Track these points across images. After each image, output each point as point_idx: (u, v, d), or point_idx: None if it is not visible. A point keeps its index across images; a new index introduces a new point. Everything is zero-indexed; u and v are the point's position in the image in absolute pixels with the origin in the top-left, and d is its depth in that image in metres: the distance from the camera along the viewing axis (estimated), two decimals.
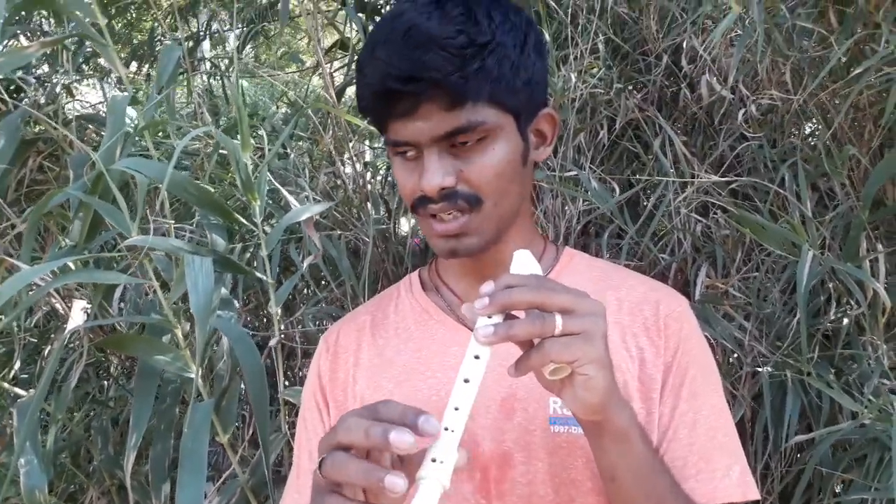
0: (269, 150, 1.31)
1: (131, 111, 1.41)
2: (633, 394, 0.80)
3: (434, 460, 0.58)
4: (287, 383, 1.48)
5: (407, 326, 0.91)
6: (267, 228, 1.35)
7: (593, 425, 0.66)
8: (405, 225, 2.12)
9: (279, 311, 1.33)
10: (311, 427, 0.92)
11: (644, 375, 0.81)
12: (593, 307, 0.61)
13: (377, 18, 1.52)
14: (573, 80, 1.65)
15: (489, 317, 0.61)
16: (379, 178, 2.28)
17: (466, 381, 0.61)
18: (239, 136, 1.22)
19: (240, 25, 2.31)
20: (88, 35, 1.16)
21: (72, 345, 1.44)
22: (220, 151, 1.61)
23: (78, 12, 1.17)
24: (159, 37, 2.58)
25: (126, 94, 1.22)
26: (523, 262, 0.66)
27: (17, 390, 1.36)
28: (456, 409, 0.60)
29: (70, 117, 1.79)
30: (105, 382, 1.84)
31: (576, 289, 0.62)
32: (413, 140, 0.77)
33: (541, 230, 1.61)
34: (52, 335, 1.54)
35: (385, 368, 0.88)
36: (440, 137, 0.75)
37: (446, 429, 0.59)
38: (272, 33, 3.13)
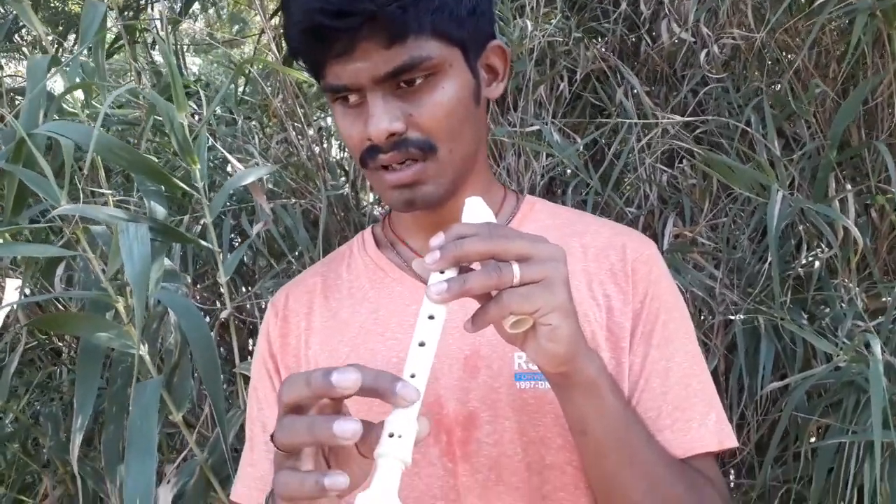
0: (209, 110, 1.22)
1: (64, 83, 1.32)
2: (602, 343, 0.76)
3: (392, 435, 0.52)
4: (245, 359, 1.42)
5: (361, 286, 0.84)
6: (213, 197, 1.27)
7: (560, 377, 0.61)
8: (369, 196, 2.06)
9: (233, 280, 1.26)
10: (263, 397, 0.86)
11: (612, 324, 0.76)
12: (552, 252, 0.56)
13: None
14: (530, 29, 1.58)
15: (441, 272, 0.56)
16: (336, 143, 2.20)
17: (422, 344, 0.55)
18: (173, 97, 1.14)
19: None
20: None
21: (9, 327, 1.36)
22: (161, 118, 1.52)
23: None
24: None
25: (46, 55, 1.13)
26: (476, 210, 0.60)
27: None
28: (412, 375, 0.54)
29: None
30: (56, 368, 1.76)
31: (532, 234, 0.57)
32: (353, 83, 0.70)
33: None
34: None
35: (340, 331, 0.82)
36: (383, 77, 0.69)
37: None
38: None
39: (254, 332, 1.93)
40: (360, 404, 0.56)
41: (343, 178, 1.97)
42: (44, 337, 1.57)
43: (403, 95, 0.70)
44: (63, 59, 1.16)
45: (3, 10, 2.18)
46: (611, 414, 0.64)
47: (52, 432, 1.52)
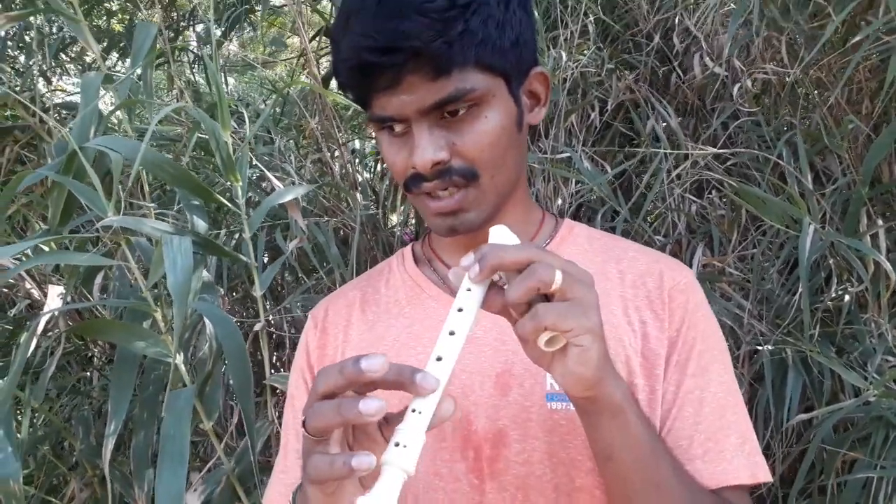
0: (252, 130, 1.26)
1: (108, 98, 1.37)
2: (637, 370, 0.76)
3: (398, 444, 0.53)
4: (274, 371, 1.44)
5: (398, 301, 0.86)
6: (252, 213, 1.31)
7: (587, 402, 0.62)
8: (394, 218, 2.09)
9: (263, 294, 1.29)
10: (299, 406, 0.87)
11: (647, 350, 0.76)
12: (585, 275, 0.57)
13: None
14: (564, 59, 1.61)
15: (468, 290, 0.57)
16: (368, 165, 2.24)
17: (439, 359, 0.56)
18: (219, 116, 1.18)
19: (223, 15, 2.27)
20: (58, 9, 1.12)
21: (50, 333, 1.40)
22: (203, 136, 1.57)
23: None
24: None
25: (100, 72, 1.18)
26: (502, 238, 0.60)
27: None
28: (439, 359, 0.56)
29: (48, 105, 1.75)
30: (87, 373, 1.80)
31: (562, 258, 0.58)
32: (399, 115, 0.72)
33: None
34: (28, 322, 1.49)
35: (374, 344, 0.84)
36: (428, 109, 0.70)
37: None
38: (258, 23, 3.10)
39: (281, 345, 1.97)
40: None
41: (373, 199, 2.01)
42: (80, 342, 1.61)
43: (448, 125, 0.72)
44: (114, 77, 1.20)
45: (50, 29, 2.26)
46: (636, 440, 0.64)
47: (82, 435, 1.55)
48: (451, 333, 0.57)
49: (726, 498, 0.72)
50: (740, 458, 0.74)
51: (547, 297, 0.56)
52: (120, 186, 1.03)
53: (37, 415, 1.53)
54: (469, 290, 0.57)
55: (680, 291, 0.79)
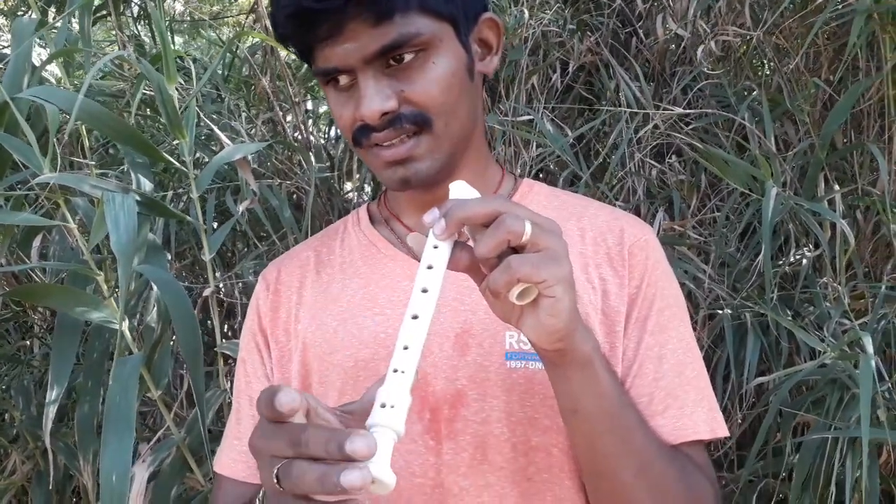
0: (199, 84, 1.20)
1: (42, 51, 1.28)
2: (596, 327, 0.75)
3: (384, 405, 0.51)
4: (225, 339, 1.40)
5: (353, 261, 0.83)
6: (199, 173, 1.24)
7: (556, 354, 0.60)
8: (349, 184, 2.03)
9: (213, 259, 1.23)
10: (252, 370, 0.84)
11: (607, 307, 0.76)
12: (552, 224, 0.55)
13: None
14: (526, 17, 1.57)
15: (435, 247, 0.54)
16: (322, 129, 2.17)
17: (415, 317, 0.54)
18: (164, 67, 1.11)
19: None
20: None
21: None
22: (147, 92, 1.48)
23: None
24: None
25: (33, 18, 1.09)
26: (462, 193, 0.58)
27: None
28: (405, 348, 0.53)
29: None
30: (27, 341, 1.72)
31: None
32: (343, 64, 0.68)
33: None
34: None
35: (329, 306, 0.81)
36: (372, 56, 0.67)
37: (395, 370, 0.52)
38: None
39: (232, 313, 1.91)
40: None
41: (328, 163, 1.95)
42: (18, 309, 1.53)
43: (394, 73, 0.69)
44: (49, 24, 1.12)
45: None
46: (604, 392, 0.63)
47: (23, 406, 1.49)
48: (424, 291, 0.54)
49: (686, 453, 0.72)
50: (700, 414, 0.74)
51: (514, 250, 0.54)
52: (56, 142, 0.96)
53: None
54: (436, 246, 0.55)
55: (640, 248, 0.78)
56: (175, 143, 1.46)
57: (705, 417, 0.74)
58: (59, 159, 1.20)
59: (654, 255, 0.79)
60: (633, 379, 0.74)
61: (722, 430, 0.76)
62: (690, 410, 0.73)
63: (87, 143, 1.20)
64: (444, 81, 0.70)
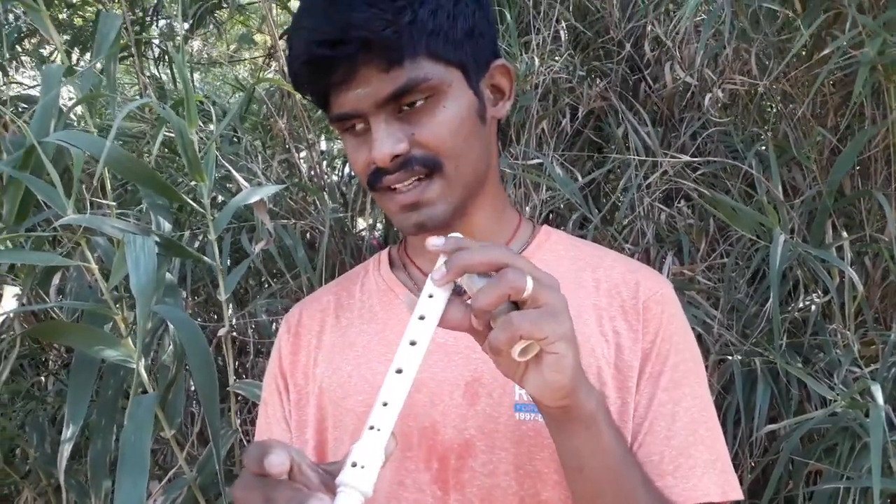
0: (219, 128, 1.23)
1: (67, 93, 1.32)
2: (609, 381, 0.74)
3: (355, 465, 0.51)
4: (237, 377, 1.41)
5: (372, 306, 0.84)
6: (217, 214, 1.27)
7: (560, 411, 0.60)
8: (362, 222, 2.06)
9: (229, 298, 1.25)
10: (272, 413, 0.85)
11: (620, 362, 0.75)
12: (551, 279, 0.56)
13: None
14: (537, 64, 1.61)
15: (430, 296, 0.55)
16: (336, 168, 2.21)
17: (399, 371, 0.54)
18: (185, 113, 1.14)
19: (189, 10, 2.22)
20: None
21: (3, 335, 1.34)
22: (167, 134, 1.52)
23: None
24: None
25: (62, 64, 1.13)
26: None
27: None
28: (384, 404, 0.53)
29: (4, 98, 1.69)
30: (42, 378, 1.74)
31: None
32: (356, 109, 0.71)
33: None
34: None
35: (345, 350, 0.82)
36: (384, 101, 0.70)
37: (371, 427, 0.52)
38: (223, 20, 3.04)
39: (244, 351, 1.92)
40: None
41: (341, 202, 1.98)
42: (35, 346, 1.55)
43: (406, 118, 0.71)
44: (76, 70, 1.16)
45: (9, 19, 2.18)
46: (608, 451, 0.63)
47: (37, 443, 1.49)
48: (412, 343, 0.54)
49: None
50: (711, 475, 0.72)
51: (515, 305, 0.54)
52: (82, 185, 0.99)
53: None
54: (431, 296, 0.55)
55: (656, 302, 0.78)
56: (193, 182, 1.50)
57: (717, 479, 0.72)
58: (84, 201, 1.23)
59: (669, 309, 0.78)
60: (645, 436, 0.73)
61: (735, 493, 0.74)
62: (702, 471, 0.72)
63: (108, 184, 1.23)
64: (453, 125, 0.72)
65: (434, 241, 0.56)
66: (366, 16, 0.66)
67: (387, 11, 0.66)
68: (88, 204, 1.01)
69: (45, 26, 1.10)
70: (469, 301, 0.56)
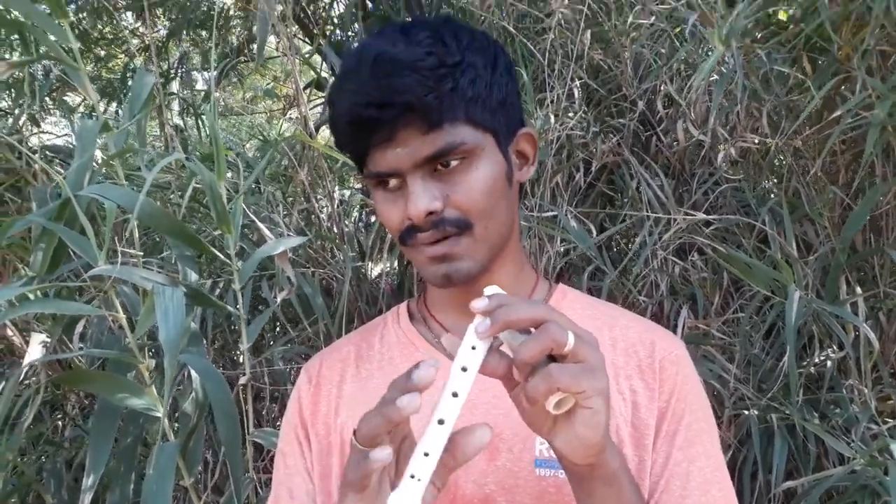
0: (245, 180, 1.27)
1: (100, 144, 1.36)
2: (626, 439, 0.76)
3: (413, 477, 0.54)
4: (255, 425, 1.42)
5: (392, 357, 0.87)
6: (239, 264, 1.30)
7: (586, 468, 0.61)
8: (376, 269, 2.09)
9: (249, 348, 1.27)
10: (292, 463, 0.86)
11: (637, 420, 0.77)
12: (591, 336, 0.58)
13: None
14: (552, 121, 1.65)
15: (473, 348, 0.57)
16: (353, 217, 2.25)
17: (441, 421, 0.56)
18: (214, 166, 1.18)
19: (214, 61, 2.30)
20: (60, 58, 1.13)
21: (27, 381, 1.36)
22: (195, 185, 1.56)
23: (51, 35, 1.13)
24: (131, 74, 2.56)
25: (97, 120, 1.18)
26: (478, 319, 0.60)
27: None
28: (426, 454, 0.55)
29: (35, 149, 1.74)
30: (60, 423, 1.75)
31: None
32: (394, 168, 0.74)
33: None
34: (6, 370, 1.45)
35: (367, 401, 0.83)
36: (422, 162, 0.73)
37: (412, 476, 0.55)
38: (245, 73, 3.14)
39: (259, 398, 1.93)
40: None
41: (357, 251, 2.01)
42: (57, 392, 1.57)
43: (440, 177, 0.74)
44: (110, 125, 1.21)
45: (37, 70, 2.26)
46: None
47: (54, 489, 1.50)
48: (454, 395, 0.56)
49: None
50: None
51: (552, 358, 0.56)
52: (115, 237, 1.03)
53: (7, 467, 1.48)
54: (473, 347, 0.57)
55: (671, 362, 0.80)
56: (216, 232, 1.53)
57: None
58: (117, 254, 1.26)
59: (684, 370, 0.81)
60: (661, 494, 0.75)
61: None
62: None
63: (136, 234, 1.27)
64: (485, 187, 0.75)
65: (478, 304, 0.58)
66: (410, 81, 0.70)
67: (430, 78, 0.70)
68: (119, 254, 1.04)
69: (83, 84, 1.15)
70: (502, 349, 0.58)
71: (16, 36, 2.06)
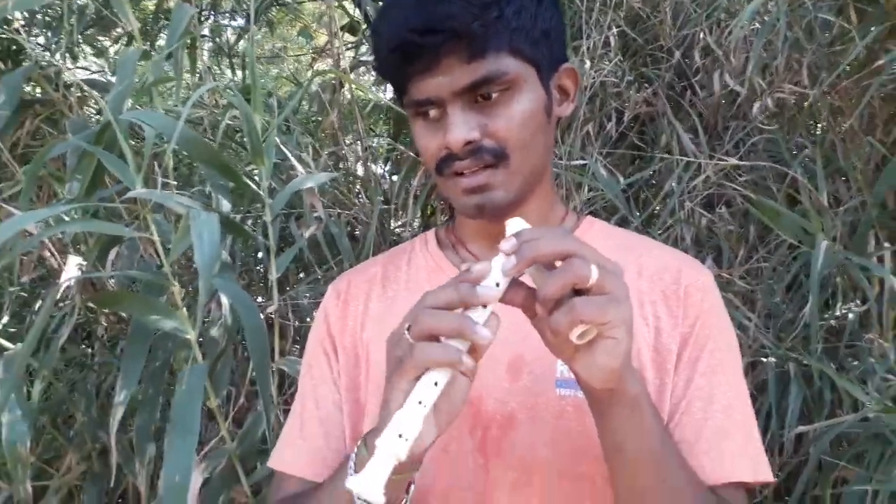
0: (280, 116, 1.29)
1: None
2: (647, 363, 0.78)
3: (400, 436, 0.58)
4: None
5: (419, 280, 0.89)
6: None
7: (605, 393, 0.63)
8: (399, 220, 2.11)
9: (278, 279, 1.30)
10: (318, 374, 0.89)
11: (659, 345, 0.78)
12: (615, 266, 0.59)
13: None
14: (587, 67, 1.64)
15: (496, 285, 0.59)
16: (379, 163, 2.26)
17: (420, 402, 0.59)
18: (252, 100, 1.20)
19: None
20: None
21: (62, 303, 1.41)
22: (230, 122, 1.58)
23: None
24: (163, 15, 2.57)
25: (137, 48, 1.20)
26: (518, 229, 0.61)
27: (4, 342, 1.32)
28: (436, 384, 0.59)
29: (71, 83, 1.76)
30: (89, 350, 1.81)
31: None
32: (435, 96, 0.75)
33: None
34: (44, 291, 1.50)
35: (393, 321, 0.85)
36: (463, 90, 0.74)
37: (420, 402, 0.58)
38: (276, 20, 3.13)
39: (282, 334, 1.98)
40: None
41: (381, 198, 2.03)
42: (90, 315, 1.62)
43: (480, 108, 0.75)
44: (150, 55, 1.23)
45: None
46: (648, 433, 0.66)
47: (84, 408, 1.56)
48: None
49: (725, 496, 0.74)
50: (744, 457, 0.76)
51: (577, 291, 0.57)
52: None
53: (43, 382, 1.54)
54: (497, 284, 0.59)
55: (697, 289, 0.81)
56: (248, 168, 1.55)
57: (749, 461, 0.76)
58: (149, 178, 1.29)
59: (710, 298, 0.81)
60: (681, 416, 0.76)
61: (765, 474, 0.77)
62: (735, 453, 0.75)
63: (170, 163, 1.29)
64: (524, 119, 0.76)
65: (506, 246, 0.59)
66: (456, 8, 0.70)
67: (475, 6, 0.71)
68: (158, 181, 1.07)
69: (125, 12, 1.17)
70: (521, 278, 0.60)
71: None
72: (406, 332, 0.61)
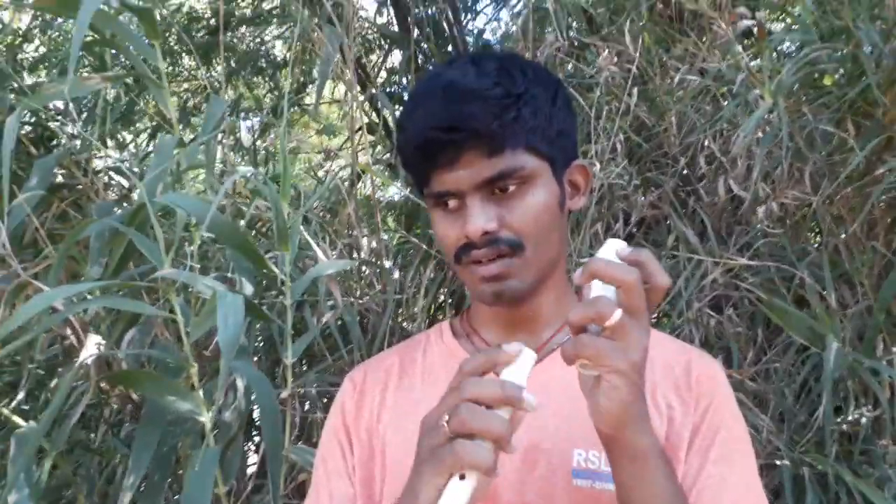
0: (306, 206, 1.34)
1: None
2: None
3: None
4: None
5: (435, 371, 0.90)
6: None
7: (608, 439, 0.66)
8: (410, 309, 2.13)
9: (294, 363, 1.32)
10: (333, 467, 0.89)
11: (672, 434, 0.80)
12: (645, 324, 0.62)
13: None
14: (596, 170, 1.71)
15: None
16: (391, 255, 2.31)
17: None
18: (281, 188, 1.25)
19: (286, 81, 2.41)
20: (146, 76, 1.21)
21: (77, 381, 1.41)
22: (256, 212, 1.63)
23: (140, 55, 1.22)
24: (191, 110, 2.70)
25: (174, 136, 1.26)
26: (611, 250, 0.65)
27: (17, 419, 1.32)
28: (469, 487, 0.61)
29: (99, 169, 1.84)
30: (93, 434, 1.79)
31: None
32: (456, 188, 0.80)
33: None
34: (61, 369, 1.51)
35: (410, 411, 0.86)
36: (482, 183, 0.78)
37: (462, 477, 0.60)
38: (295, 118, 3.27)
39: (292, 424, 1.96)
40: None
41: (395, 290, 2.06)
42: (102, 396, 1.62)
43: (498, 200, 0.79)
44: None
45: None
46: (657, 492, 0.67)
47: (87, 493, 1.53)
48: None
49: None
50: None
51: None
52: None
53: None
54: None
55: (708, 378, 0.83)
56: (269, 254, 1.59)
57: None
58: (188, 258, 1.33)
59: (721, 388, 0.83)
60: None
61: None
62: None
63: (196, 246, 1.33)
64: (539, 211, 0.80)
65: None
66: (477, 109, 0.76)
67: (495, 107, 0.77)
68: (189, 262, 1.10)
69: (164, 102, 1.24)
70: None
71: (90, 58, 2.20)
72: (444, 422, 0.63)
